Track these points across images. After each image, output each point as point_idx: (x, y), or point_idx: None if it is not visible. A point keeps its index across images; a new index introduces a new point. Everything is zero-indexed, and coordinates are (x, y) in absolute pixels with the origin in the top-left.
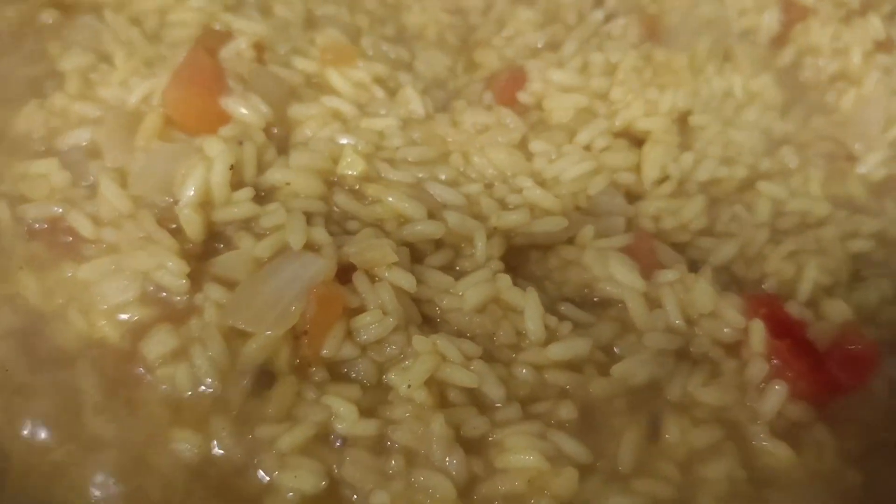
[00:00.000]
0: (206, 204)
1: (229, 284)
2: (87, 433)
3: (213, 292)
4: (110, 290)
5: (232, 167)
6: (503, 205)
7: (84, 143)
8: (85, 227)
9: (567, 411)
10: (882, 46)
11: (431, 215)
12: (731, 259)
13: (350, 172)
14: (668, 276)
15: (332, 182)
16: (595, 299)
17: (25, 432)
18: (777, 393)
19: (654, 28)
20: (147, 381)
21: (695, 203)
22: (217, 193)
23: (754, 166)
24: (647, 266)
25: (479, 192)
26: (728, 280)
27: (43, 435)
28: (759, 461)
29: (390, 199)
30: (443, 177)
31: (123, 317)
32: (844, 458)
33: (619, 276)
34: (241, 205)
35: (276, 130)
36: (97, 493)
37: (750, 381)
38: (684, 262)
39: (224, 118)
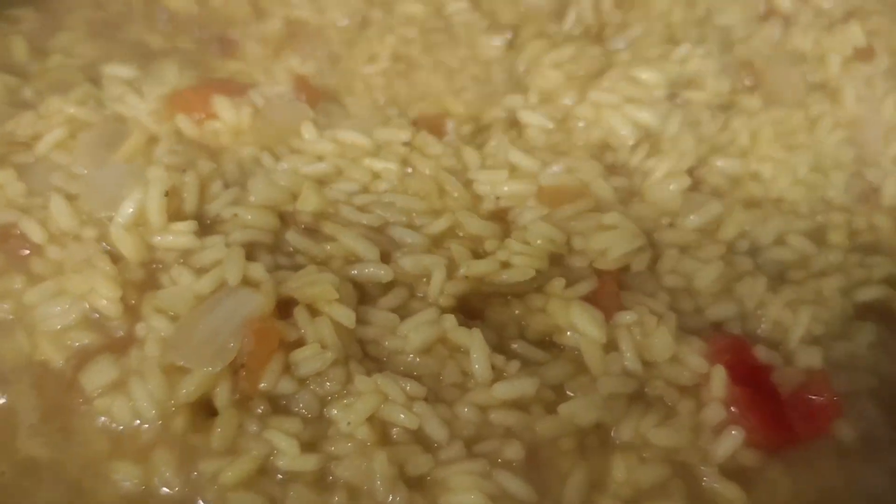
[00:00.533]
0: (140, 226)
1: (171, 318)
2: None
3: (156, 323)
4: (52, 312)
5: (167, 194)
6: (476, 254)
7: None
8: (36, 235)
9: (513, 451)
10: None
11: (386, 257)
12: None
13: (305, 209)
14: (626, 318)
15: (286, 214)
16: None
17: None
18: (733, 438)
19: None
20: (85, 411)
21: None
22: (152, 218)
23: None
24: (612, 309)
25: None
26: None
27: None
28: (708, 501)
29: (344, 238)
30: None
31: (67, 342)
32: (796, 499)
33: (580, 326)
34: (181, 235)
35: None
36: None
37: (705, 424)
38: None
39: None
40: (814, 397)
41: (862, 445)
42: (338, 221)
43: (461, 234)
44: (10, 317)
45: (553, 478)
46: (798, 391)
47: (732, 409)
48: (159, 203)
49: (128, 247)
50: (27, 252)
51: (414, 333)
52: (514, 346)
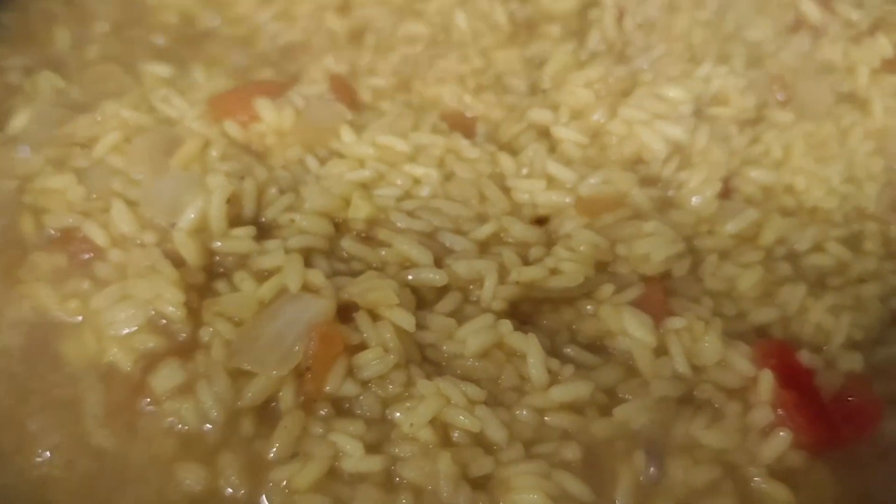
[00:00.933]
0: (202, 232)
1: (235, 323)
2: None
3: (220, 328)
4: (119, 318)
5: (229, 200)
6: (524, 260)
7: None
8: (100, 239)
9: (571, 452)
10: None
11: (438, 262)
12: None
13: (358, 216)
14: (675, 323)
15: (339, 221)
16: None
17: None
18: (781, 440)
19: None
20: (152, 412)
21: None
22: (214, 225)
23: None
24: (659, 314)
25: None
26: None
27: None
28: (757, 501)
29: (398, 243)
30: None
31: (135, 345)
32: (841, 500)
33: (631, 331)
34: (241, 241)
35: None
36: None
37: (753, 426)
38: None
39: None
40: (855, 400)
41: None
42: (389, 227)
43: (509, 240)
44: (79, 318)
45: (609, 479)
46: (840, 394)
47: (779, 411)
48: (221, 210)
49: (191, 252)
50: (90, 256)
51: (472, 338)
52: (567, 350)
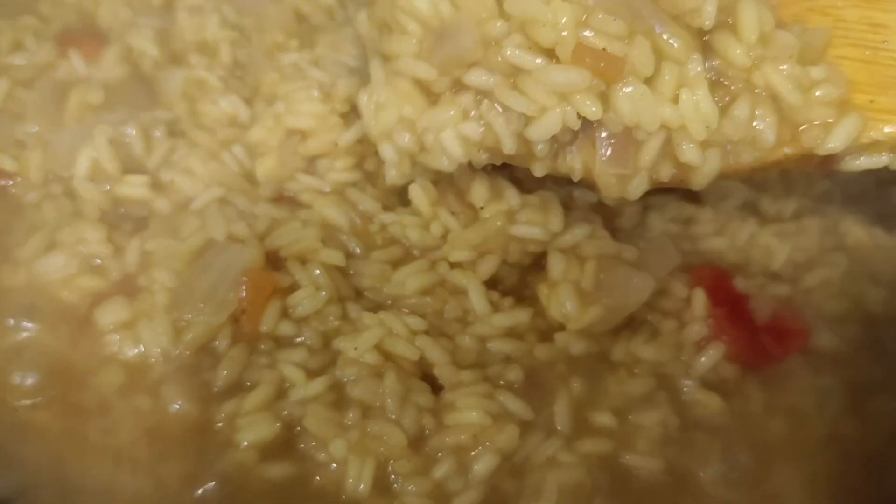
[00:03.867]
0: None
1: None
2: None
3: (156, 275)
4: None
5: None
6: None
7: None
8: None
9: (514, 374)
10: None
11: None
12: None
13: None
14: None
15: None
16: None
17: None
18: (713, 352)
19: None
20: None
21: None
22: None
23: None
24: None
25: None
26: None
27: None
28: (691, 410)
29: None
30: None
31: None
32: (770, 411)
33: None
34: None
35: None
36: None
37: (687, 341)
38: None
39: None
40: (785, 322)
41: (829, 364)
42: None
43: None
44: None
45: (548, 397)
46: (772, 318)
47: (712, 324)
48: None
49: (94, 199)
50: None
51: (411, 280)
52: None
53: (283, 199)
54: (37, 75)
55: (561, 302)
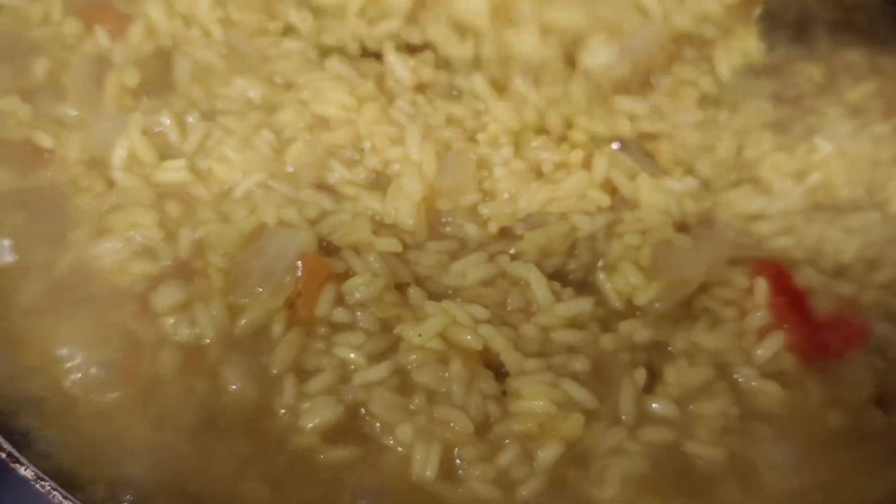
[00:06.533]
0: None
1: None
2: None
3: (210, 258)
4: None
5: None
6: None
7: None
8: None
9: (580, 364)
10: None
11: None
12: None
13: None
14: None
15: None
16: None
17: None
18: (774, 340)
19: None
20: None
21: None
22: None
23: None
24: None
25: None
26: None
27: None
28: (750, 399)
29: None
30: None
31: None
32: (828, 404)
33: None
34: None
35: None
36: None
37: (748, 329)
38: None
39: None
40: (846, 319)
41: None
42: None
43: None
44: None
45: (613, 386)
46: (833, 315)
47: (773, 313)
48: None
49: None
50: None
51: (472, 270)
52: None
53: (324, 187)
54: (70, 53)
55: (625, 278)
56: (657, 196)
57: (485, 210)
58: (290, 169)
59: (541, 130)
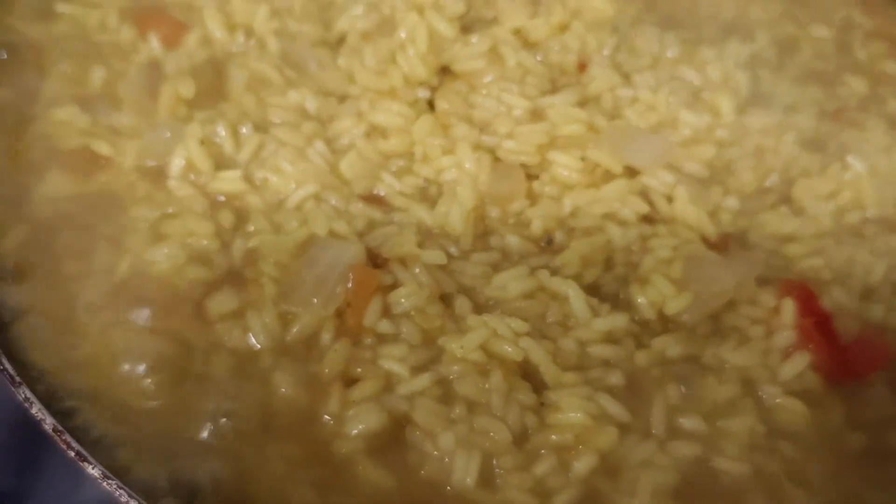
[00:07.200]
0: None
1: (274, 263)
2: None
3: (263, 267)
4: (157, 255)
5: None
6: None
7: None
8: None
9: (615, 378)
10: None
11: None
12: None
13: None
14: None
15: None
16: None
17: None
18: (800, 359)
19: None
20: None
21: None
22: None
23: None
24: None
25: None
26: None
27: None
28: (775, 416)
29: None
30: None
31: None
32: (850, 423)
33: None
34: (232, 182)
35: None
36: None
37: (774, 348)
38: None
39: None
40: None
41: None
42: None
43: None
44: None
45: (646, 400)
46: (857, 338)
47: (799, 334)
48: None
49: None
50: None
51: (513, 283)
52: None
53: (373, 199)
54: (128, 63)
55: (657, 289)
56: (693, 210)
57: (529, 212)
58: (343, 180)
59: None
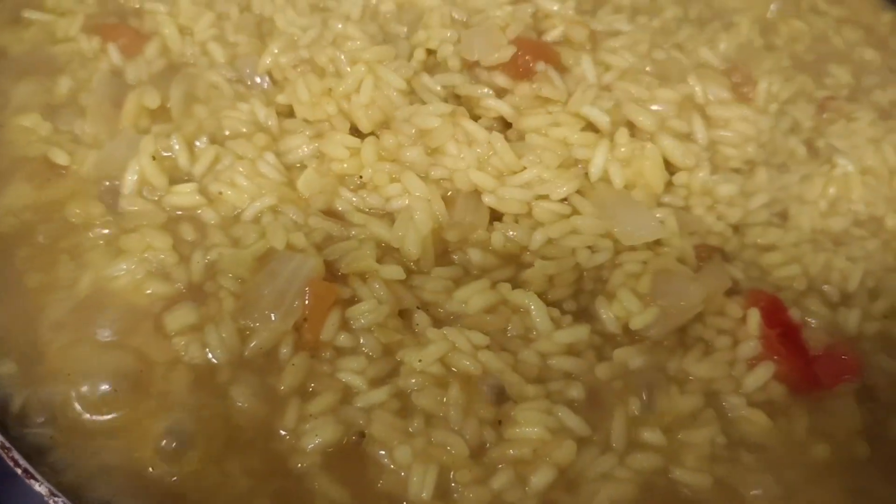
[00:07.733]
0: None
1: (233, 278)
2: None
3: (222, 282)
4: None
5: (154, 158)
6: None
7: None
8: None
9: (576, 391)
10: None
11: None
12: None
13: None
14: None
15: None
16: None
17: None
18: (764, 370)
19: None
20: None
21: None
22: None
23: None
24: None
25: None
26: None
27: None
28: (738, 428)
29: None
30: None
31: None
32: (814, 434)
33: None
34: (187, 195)
35: None
36: None
37: (739, 358)
38: None
39: None
40: (838, 354)
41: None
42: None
43: None
44: None
45: (606, 414)
46: (825, 349)
47: (764, 344)
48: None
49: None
50: None
51: (475, 298)
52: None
53: (331, 213)
54: (90, 72)
55: (622, 304)
56: (677, 240)
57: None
58: (299, 196)
59: None
